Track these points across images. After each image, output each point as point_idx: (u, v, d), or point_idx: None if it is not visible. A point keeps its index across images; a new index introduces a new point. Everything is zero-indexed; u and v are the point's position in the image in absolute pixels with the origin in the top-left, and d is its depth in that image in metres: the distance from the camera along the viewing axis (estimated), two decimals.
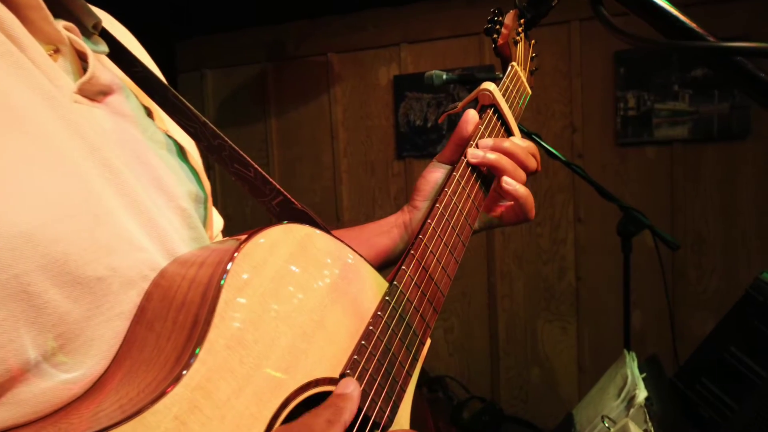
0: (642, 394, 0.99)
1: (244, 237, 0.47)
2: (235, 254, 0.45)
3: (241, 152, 0.61)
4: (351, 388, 0.47)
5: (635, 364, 1.12)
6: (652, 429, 0.86)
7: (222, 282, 0.43)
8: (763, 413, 0.77)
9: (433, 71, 1.70)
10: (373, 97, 3.13)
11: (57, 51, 0.49)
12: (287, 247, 0.49)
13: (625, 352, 1.21)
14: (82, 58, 0.53)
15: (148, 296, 0.47)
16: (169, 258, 0.50)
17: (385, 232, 0.80)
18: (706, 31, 0.36)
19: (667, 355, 1.65)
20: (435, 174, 0.79)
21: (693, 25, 0.36)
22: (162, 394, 0.38)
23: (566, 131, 2.80)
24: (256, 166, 0.60)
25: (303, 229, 0.51)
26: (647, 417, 0.90)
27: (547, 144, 1.62)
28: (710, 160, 2.58)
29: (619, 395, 1.04)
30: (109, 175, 0.47)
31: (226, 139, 0.61)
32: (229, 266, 0.44)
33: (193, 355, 0.40)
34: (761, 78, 0.34)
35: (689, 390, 1.04)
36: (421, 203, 0.79)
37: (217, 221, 0.72)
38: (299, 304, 0.48)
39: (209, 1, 3.25)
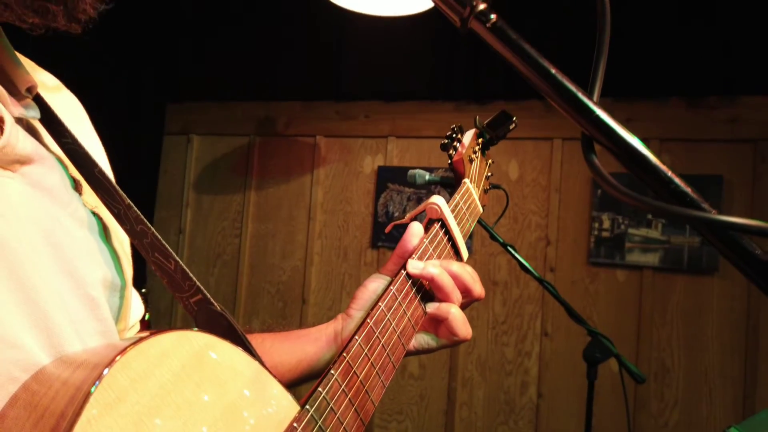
0: None
1: (137, 338, 0.41)
2: (115, 360, 0.39)
3: (164, 243, 0.57)
4: None
5: None
6: None
7: (92, 390, 0.37)
8: None
9: (416, 170, 1.70)
10: (355, 184, 3.14)
11: None
12: (179, 359, 0.42)
13: None
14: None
15: (12, 401, 0.40)
16: (54, 356, 0.44)
17: (313, 340, 0.75)
18: (700, 197, 0.34)
19: None
20: (374, 283, 0.74)
21: (688, 189, 0.34)
22: None
23: (540, 243, 2.82)
24: (177, 259, 0.56)
25: (203, 338, 0.45)
26: None
27: (521, 256, 1.61)
28: (679, 290, 2.60)
29: None
30: (1, 257, 0.42)
31: (150, 226, 0.56)
32: (105, 372, 0.38)
33: None
34: (756, 257, 0.31)
35: None
36: (356, 312, 0.74)
37: (136, 310, 0.65)
38: (183, 429, 0.41)
39: (205, 70, 3.32)
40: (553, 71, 0.37)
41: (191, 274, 0.55)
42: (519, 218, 2.84)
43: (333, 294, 3.12)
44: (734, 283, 2.51)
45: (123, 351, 0.38)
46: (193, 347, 0.43)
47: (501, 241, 1.65)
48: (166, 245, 0.56)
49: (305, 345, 0.74)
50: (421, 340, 0.73)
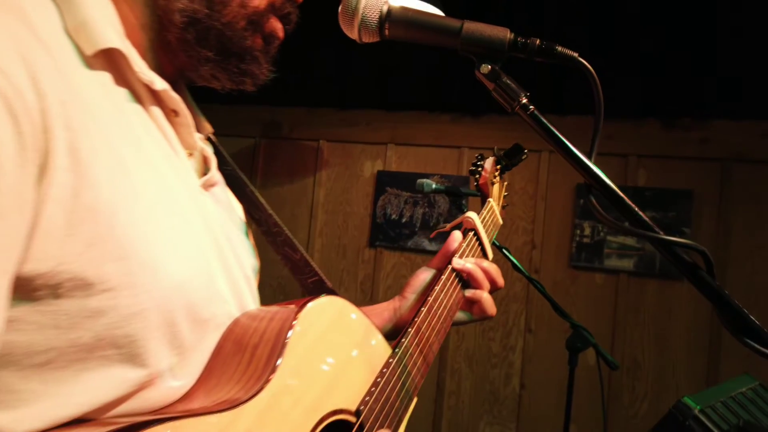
0: None
1: (299, 302, 0.64)
2: (298, 314, 0.62)
3: (293, 239, 0.79)
4: None
5: None
6: None
7: (289, 334, 0.60)
8: None
9: (424, 180, 1.93)
10: (356, 187, 3.36)
11: (191, 154, 0.67)
12: (331, 313, 0.67)
13: None
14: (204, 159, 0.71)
15: (224, 337, 0.63)
16: (240, 311, 0.66)
17: (378, 314, 0.97)
18: (651, 217, 0.57)
19: None
20: (424, 274, 0.99)
21: (645, 217, 0.56)
22: (250, 398, 0.54)
23: (526, 247, 3.06)
24: (302, 250, 0.78)
25: (340, 301, 0.70)
26: None
27: (514, 258, 1.84)
28: (651, 293, 2.86)
29: None
30: (214, 245, 0.64)
31: (284, 227, 0.78)
32: (294, 323, 0.61)
33: (268, 380, 0.57)
34: (686, 260, 0.54)
35: None
36: (410, 295, 0.97)
37: None
38: (334, 355, 0.66)
39: None
40: (567, 142, 0.59)
41: (311, 261, 0.77)
42: (507, 223, 3.08)
43: None
44: None
45: (304, 305, 0.61)
46: (337, 306, 0.67)
47: (497, 244, 1.87)
48: (295, 241, 0.77)
49: (372, 318, 0.96)
50: (460, 315, 0.96)
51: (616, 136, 2.93)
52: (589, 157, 0.59)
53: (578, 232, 2.97)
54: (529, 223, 3.06)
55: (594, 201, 0.56)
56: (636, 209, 0.56)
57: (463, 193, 1.88)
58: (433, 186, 1.91)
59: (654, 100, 2.85)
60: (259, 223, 0.80)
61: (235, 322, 0.64)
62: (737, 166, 2.78)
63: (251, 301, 0.70)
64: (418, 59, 3.07)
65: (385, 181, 3.28)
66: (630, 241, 2.88)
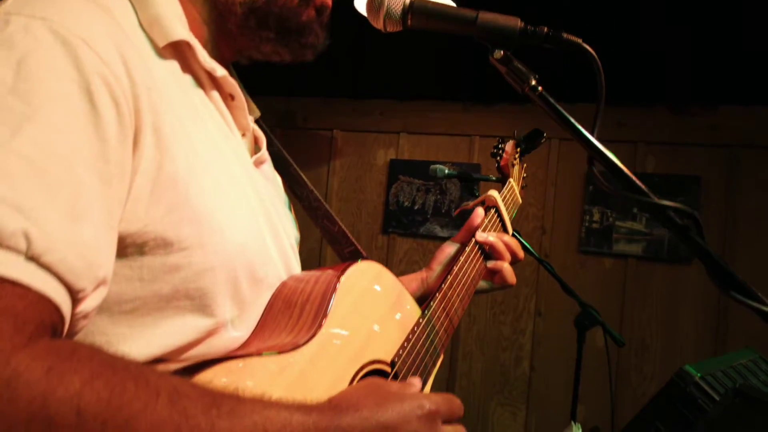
0: None
1: (341, 266, 0.72)
2: (341, 276, 0.70)
3: (332, 213, 0.87)
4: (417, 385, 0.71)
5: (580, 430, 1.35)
6: None
7: (334, 293, 0.68)
8: None
9: (437, 165, 1.99)
10: (369, 175, 3.43)
11: (244, 135, 0.75)
12: (369, 276, 0.75)
13: (572, 422, 1.44)
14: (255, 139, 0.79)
15: (275, 296, 0.71)
16: (288, 275, 0.74)
17: (407, 283, 1.06)
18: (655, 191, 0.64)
19: None
20: (449, 248, 1.06)
21: (642, 185, 0.63)
22: (305, 343, 0.63)
23: (536, 232, 3.12)
24: (341, 223, 0.86)
25: (378, 265, 0.78)
26: None
27: (525, 241, 1.91)
28: (659, 277, 2.92)
29: None
30: (265, 216, 0.72)
31: (324, 202, 0.86)
32: (337, 284, 0.69)
33: (317, 330, 0.65)
34: (678, 224, 0.61)
35: None
36: (436, 267, 1.05)
37: None
38: (372, 312, 0.74)
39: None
40: (571, 118, 0.66)
41: (348, 233, 0.85)
42: (518, 209, 3.14)
43: None
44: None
45: (346, 268, 0.69)
46: (375, 270, 0.75)
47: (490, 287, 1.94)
48: (333, 214, 0.86)
49: (405, 284, 1.05)
50: (482, 284, 1.04)
51: (625, 123, 2.97)
52: (592, 133, 0.66)
53: (587, 217, 3.02)
54: (539, 209, 3.13)
55: (595, 171, 0.63)
56: (632, 176, 0.63)
57: (475, 179, 1.95)
58: (446, 171, 1.97)
59: (663, 86, 2.89)
60: (300, 199, 0.88)
61: (284, 284, 0.72)
62: (746, 152, 2.82)
63: (296, 266, 0.79)
64: (429, 49, 3.13)
65: (397, 169, 3.35)
66: (638, 226, 2.93)
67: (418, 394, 0.64)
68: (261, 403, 0.50)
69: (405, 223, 3.31)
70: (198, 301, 0.60)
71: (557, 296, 3.05)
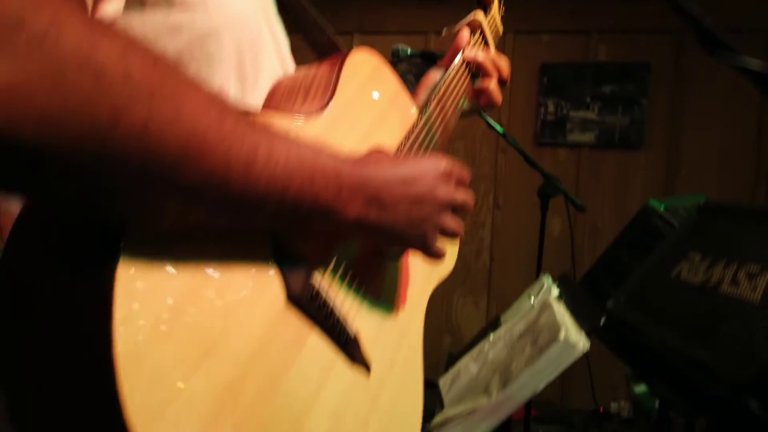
0: (555, 291, 1.30)
1: (340, 53, 0.71)
2: (345, 61, 0.68)
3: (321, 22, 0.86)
4: None
5: (549, 279, 1.43)
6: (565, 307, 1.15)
7: (342, 72, 0.67)
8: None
9: (399, 45, 1.96)
10: None
11: None
12: (371, 64, 0.74)
13: (542, 275, 1.52)
14: None
15: (275, 87, 0.69)
16: (284, 73, 0.73)
17: None
18: None
19: None
20: (436, 74, 1.06)
21: None
22: (322, 108, 0.63)
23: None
24: (329, 34, 0.85)
25: (378, 56, 0.76)
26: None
27: (489, 118, 1.93)
28: (610, 164, 3.03)
29: (536, 296, 1.34)
30: (264, 16, 0.70)
31: (310, 11, 0.85)
32: (342, 67, 0.68)
33: (328, 102, 0.64)
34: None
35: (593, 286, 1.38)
36: (423, 92, 1.05)
37: None
38: (378, 100, 0.74)
39: None
40: None
41: (338, 44, 0.84)
42: None
43: None
44: (656, 156, 2.96)
45: (347, 54, 0.68)
46: (376, 59, 0.73)
47: (475, 108, 1.95)
48: (321, 22, 0.84)
49: None
50: (467, 105, 1.05)
51: (578, 12, 2.99)
52: None
53: (542, 110, 3.08)
54: None
55: None
56: None
57: (438, 56, 1.93)
58: (408, 51, 1.95)
59: None
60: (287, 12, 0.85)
61: (283, 77, 0.71)
62: (693, 37, 2.89)
63: (291, 69, 0.78)
64: None
65: None
66: (591, 115, 3.01)
67: (434, 157, 0.65)
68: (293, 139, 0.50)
69: None
70: (204, 69, 0.59)
71: (515, 189, 3.14)
